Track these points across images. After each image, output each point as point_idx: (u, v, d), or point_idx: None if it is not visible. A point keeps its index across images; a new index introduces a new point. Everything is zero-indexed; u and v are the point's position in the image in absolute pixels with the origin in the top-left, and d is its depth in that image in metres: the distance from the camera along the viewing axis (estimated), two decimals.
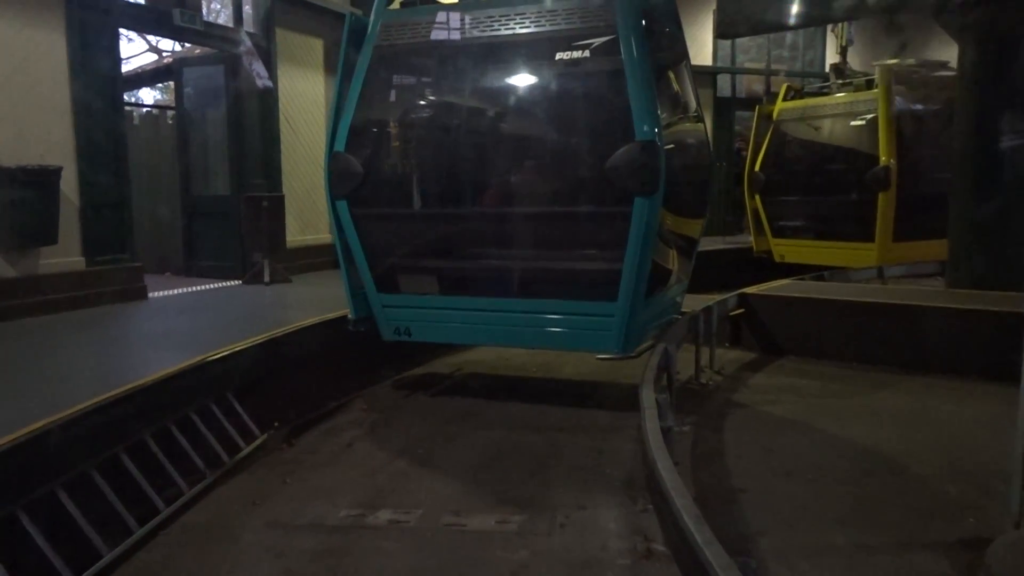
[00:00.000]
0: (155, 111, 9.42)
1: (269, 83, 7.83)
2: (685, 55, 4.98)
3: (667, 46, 4.70)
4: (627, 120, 3.84)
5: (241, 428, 4.01)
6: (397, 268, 4.62)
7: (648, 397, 3.06)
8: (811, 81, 11.76)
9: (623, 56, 3.89)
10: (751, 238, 9.65)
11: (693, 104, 4.99)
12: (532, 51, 4.30)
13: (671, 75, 4.71)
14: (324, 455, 3.97)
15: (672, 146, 4.18)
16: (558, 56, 4.10)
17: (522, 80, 4.44)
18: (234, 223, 7.74)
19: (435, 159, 4.68)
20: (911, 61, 8.63)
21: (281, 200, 7.76)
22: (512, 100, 4.50)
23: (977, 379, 4.96)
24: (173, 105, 8.81)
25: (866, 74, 8.82)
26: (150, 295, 6.45)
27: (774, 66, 13.93)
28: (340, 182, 4.44)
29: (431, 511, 3.19)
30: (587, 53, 4.00)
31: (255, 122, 7.93)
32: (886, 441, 3.89)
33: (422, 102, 4.77)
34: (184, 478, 3.44)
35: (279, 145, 8.15)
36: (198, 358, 3.92)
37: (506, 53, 4.34)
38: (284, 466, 3.81)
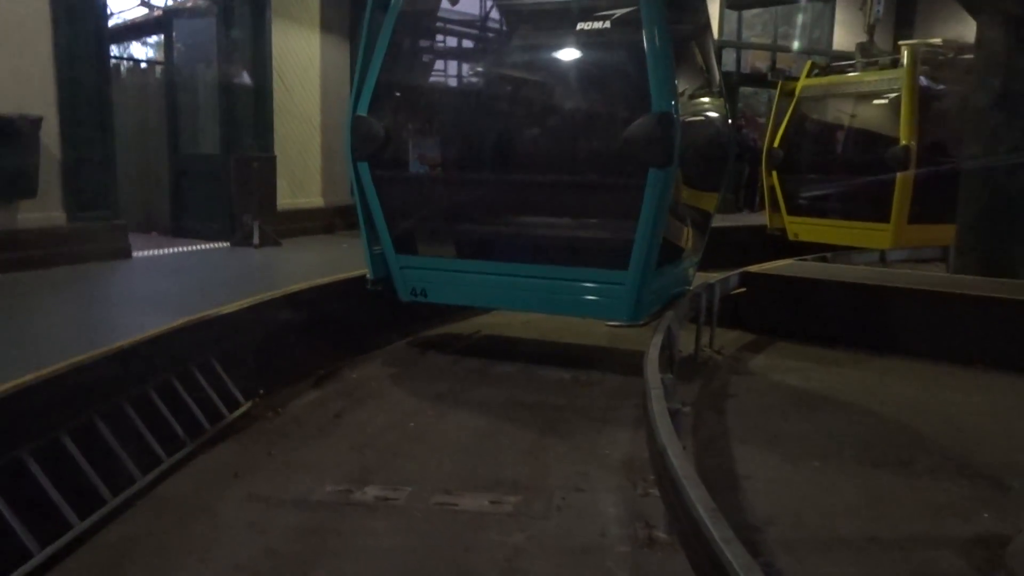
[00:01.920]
0: (144, 65, 9.08)
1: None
2: (707, 28, 4.94)
3: (689, 19, 4.68)
4: (645, 92, 3.84)
5: (225, 396, 3.84)
6: (415, 230, 4.70)
7: (653, 377, 2.91)
8: (819, 59, 11.55)
9: (643, 28, 3.88)
10: (766, 215, 9.50)
11: (714, 79, 4.93)
12: (554, 20, 4.38)
13: (692, 48, 4.67)
14: (311, 426, 3.81)
15: (690, 119, 4.21)
16: (580, 26, 4.15)
17: (544, 49, 4.53)
18: (223, 183, 7.50)
19: (455, 124, 4.78)
20: (937, 41, 8.42)
21: (272, 161, 7.52)
22: (534, 68, 4.57)
23: (983, 368, 4.83)
24: (163, 60, 8.50)
25: (891, 53, 8.62)
26: (134, 255, 6.23)
27: (780, 43, 13.65)
28: (362, 144, 4.49)
29: (422, 488, 3.04)
30: (608, 24, 4.06)
31: (247, 76, 7.64)
32: (894, 430, 3.77)
33: (444, 67, 4.92)
34: (163, 447, 3.27)
35: (271, 104, 7.88)
36: (180, 321, 3.73)
37: (529, 21, 4.48)
38: (269, 437, 3.65)
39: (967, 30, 10.84)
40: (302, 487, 3.06)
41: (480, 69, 4.70)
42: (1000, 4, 5.84)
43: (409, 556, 2.56)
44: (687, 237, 4.70)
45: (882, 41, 14.02)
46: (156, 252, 6.66)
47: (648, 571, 2.45)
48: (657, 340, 3.63)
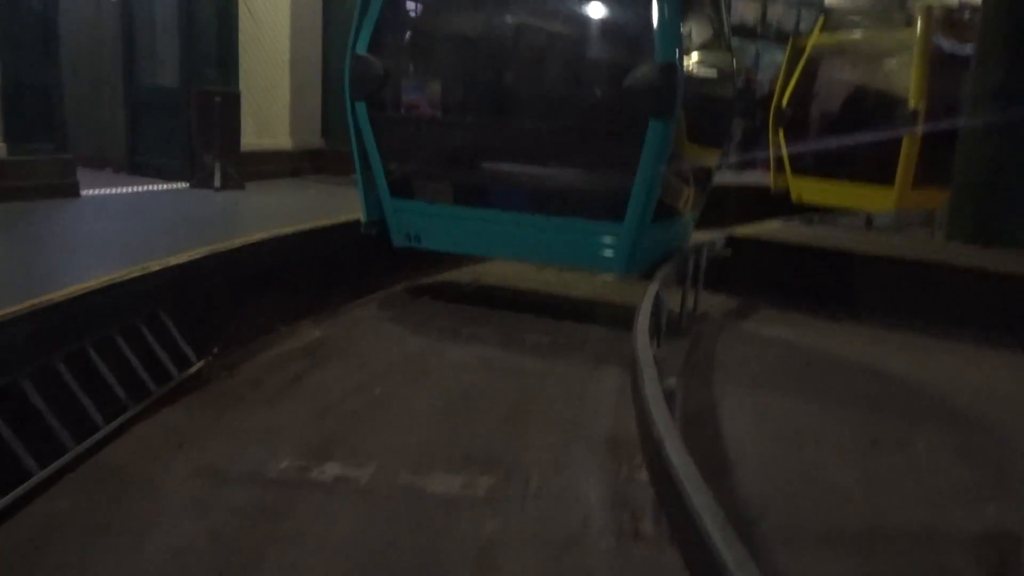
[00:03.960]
0: None
1: None
2: None
3: None
4: (649, 40, 3.81)
5: (175, 354, 3.52)
6: (412, 174, 4.67)
7: (644, 353, 2.65)
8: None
9: None
10: (770, 174, 9.26)
11: (723, 32, 4.80)
12: None
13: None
14: (269, 389, 3.51)
15: (694, 71, 4.17)
16: None
17: None
18: (183, 119, 7.01)
19: (454, 68, 4.75)
20: (954, 2, 8.16)
21: (237, 98, 7.03)
22: (537, 12, 4.52)
23: (973, 341, 4.66)
24: None
25: (906, 12, 8.36)
26: (83, 193, 5.78)
27: None
28: (360, 83, 4.47)
29: (386, 465, 2.78)
30: None
31: (211, 5, 7.08)
32: (890, 408, 3.58)
33: (445, 9, 4.79)
34: (101, 412, 2.95)
35: (236, 35, 7.34)
36: (124, 270, 3.38)
37: None
38: (221, 400, 3.34)
39: None
40: (255, 460, 2.77)
41: (482, 11, 4.59)
42: None
43: (370, 546, 2.30)
44: (686, 192, 4.64)
45: (879, 3, 13.69)
46: (107, 191, 6.21)
47: (635, 570, 2.22)
48: (647, 307, 3.37)
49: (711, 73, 4.73)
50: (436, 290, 5.36)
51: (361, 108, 4.50)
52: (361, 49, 4.45)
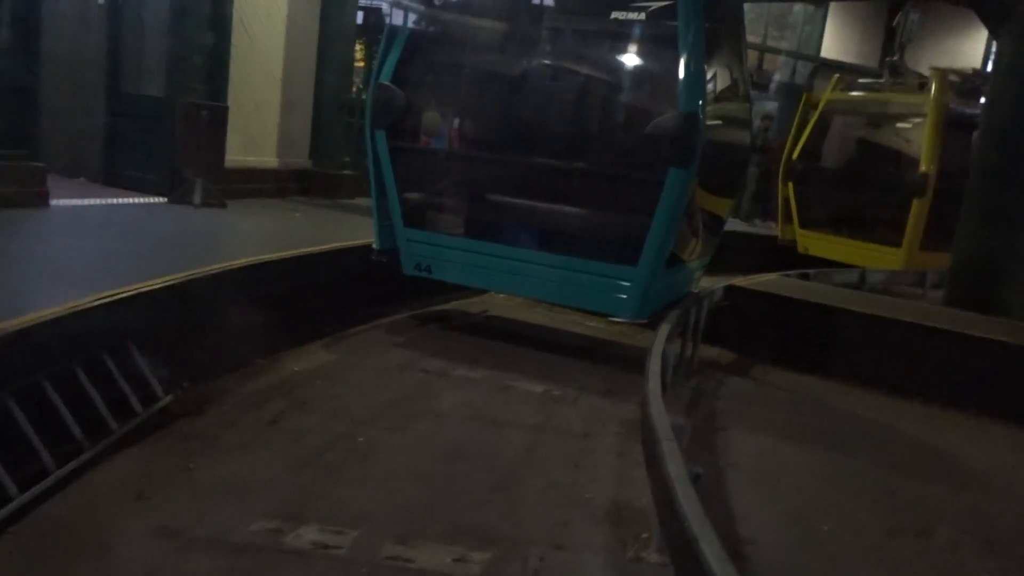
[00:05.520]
0: None
1: None
2: (741, 30, 4.90)
3: (724, 19, 4.59)
4: (672, 88, 3.83)
5: (141, 388, 3.22)
6: (426, 205, 4.71)
7: (662, 424, 2.42)
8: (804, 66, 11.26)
9: (679, 25, 3.84)
10: (778, 226, 9.38)
11: (742, 83, 4.84)
12: (587, 4, 4.55)
13: (724, 49, 4.58)
14: (242, 431, 3.22)
15: (714, 122, 4.17)
16: (613, 14, 4.15)
17: (576, 35, 4.58)
18: (166, 131, 6.73)
19: (477, 104, 4.83)
20: (969, 69, 8.32)
21: (224, 112, 6.78)
22: (560, 53, 4.58)
23: (978, 414, 4.50)
24: None
25: (920, 75, 8.48)
26: (53, 203, 5.45)
27: (771, 43, 13.31)
28: (382, 113, 4.50)
29: (369, 531, 2.51)
30: (643, 16, 4.03)
31: (203, 16, 6.85)
32: (903, 488, 3.37)
33: (470, 46, 4.81)
34: (52, 453, 2.65)
35: (228, 48, 7.11)
36: (89, 298, 3.09)
37: (560, 5, 4.52)
38: (188, 443, 3.05)
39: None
40: (223, 520, 2.49)
41: (506, 50, 4.66)
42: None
43: None
44: (698, 239, 4.65)
45: (871, 59, 13.88)
46: (78, 202, 5.88)
47: None
48: (655, 368, 3.15)
49: (730, 123, 4.73)
50: (442, 318, 5.23)
51: (381, 137, 4.51)
52: (385, 79, 4.50)
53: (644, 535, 2.63)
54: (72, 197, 5.93)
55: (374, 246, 4.76)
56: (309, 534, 2.45)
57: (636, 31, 4.17)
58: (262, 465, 2.93)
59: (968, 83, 8.14)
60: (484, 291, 5.92)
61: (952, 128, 7.66)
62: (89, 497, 2.57)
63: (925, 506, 3.22)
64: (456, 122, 4.74)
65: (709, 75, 4.04)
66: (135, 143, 7.04)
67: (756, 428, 3.94)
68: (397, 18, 4.80)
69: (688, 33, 3.83)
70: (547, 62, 4.67)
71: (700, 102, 3.81)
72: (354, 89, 9.30)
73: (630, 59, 4.40)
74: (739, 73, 4.91)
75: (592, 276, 4.23)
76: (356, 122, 8.58)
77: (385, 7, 7.23)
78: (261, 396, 3.63)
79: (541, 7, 4.69)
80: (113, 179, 7.06)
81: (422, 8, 4.69)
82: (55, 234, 4.75)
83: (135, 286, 3.32)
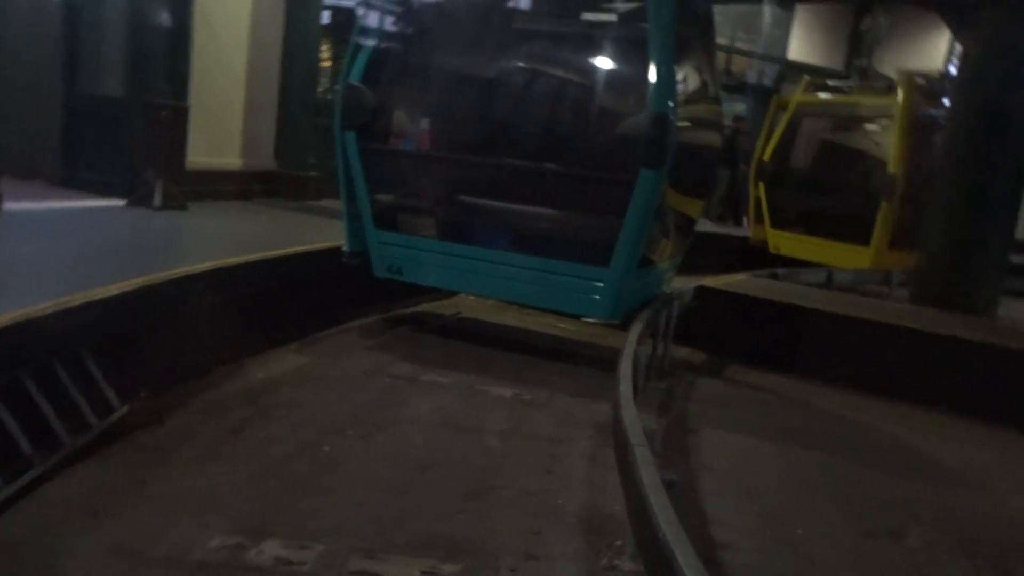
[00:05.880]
0: None
1: None
2: (711, 31, 4.94)
3: (694, 20, 4.63)
4: (643, 89, 3.81)
5: (95, 399, 3.09)
6: (397, 206, 4.67)
7: (635, 429, 2.37)
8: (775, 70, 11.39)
9: (650, 27, 3.85)
10: (749, 227, 9.59)
11: (712, 84, 4.90)
12: (558, 6, 4.58)
13: (695, 50, 4.61)
14: (203, 442, 3.11)
15: (685, 123, 4.17)
16: (584, 15, 4.24)
17: (545, 34, 4.59)
18: (125, 131, 6.55)
19: (447, 104, 4.76)
20: (935, 72, 8.55)
21: (185, 112, 6.61)
22: (532, 54, 4.55)
23: (949, 413, 4.53)
24: None
25: (887, 78, 8.68)
26: (6, 206, 5.24)
27: (738, 45, 13.41)
28: (352, 113, 4.45)
29: (335, 546, 2.42)
30: (614, 17, 4.12)
31: (164, 13, 6.66)
32: (877, 489, 3.37)
33: (442, 47, 4.79)
34: (0, 469, 2.52)
35: (189, 46, 6.93)
36: (41, 305, 2.95)
37: (532, 5, 4.60)
38: (146, 456, 2.93)
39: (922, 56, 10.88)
40: (181, 536, 2.38)
41: (478, 50, 4.66)
42: (985, 24, 5.55)
43: None
44: (670, 239, 4.67)
45: (837, 62, 14.04)
46: (33, 205, 5.67)
47: None
48: (627, 370, 3.11)
49: (700, 124, 4.73)
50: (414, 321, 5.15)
51: (351, 137, 4.45)
52: (355, 79, 4.44)
53: (618, 543, 2.58)
54: (26, 200, 5.72)
55: (344, 248, 4.70)
56: (272, 550, 2.36)
57: (607, 32, 4.18)
58: (223, 478, 2.82)
59: (934, 85, 8.31)
60: (455, 293, 5.86)
61: (919, 130, 7.82)
62: (40, 515, 2.45)
63: (899, 506, 3.22)
64: (427, 123, 4.68)
65: (680, 76, 4.05)
66: (94, 144, 6.83)
67: (729, 429, 3.93)
68: (367, 18, 4.75)
69: (659, 34, 3.84)
70: (519, 63, 4.63)
71: (671, 103, 3.81)
72: (320, 89, 9.15)
73: (601, 60, 4.43)
74: (709, 75, 4.95)
75: (564, 277, 4.21)
76: (323, 122, 8.43)
77: (354, 5, 7.13)
78: (223, 405, 3.52)
79: (513, 8, 4.69)
80: (71, 181, 6.83)
81: (392, 7, 4.64)
82: (5, 239, 4.58)
83: (88, 292, 3.19)
